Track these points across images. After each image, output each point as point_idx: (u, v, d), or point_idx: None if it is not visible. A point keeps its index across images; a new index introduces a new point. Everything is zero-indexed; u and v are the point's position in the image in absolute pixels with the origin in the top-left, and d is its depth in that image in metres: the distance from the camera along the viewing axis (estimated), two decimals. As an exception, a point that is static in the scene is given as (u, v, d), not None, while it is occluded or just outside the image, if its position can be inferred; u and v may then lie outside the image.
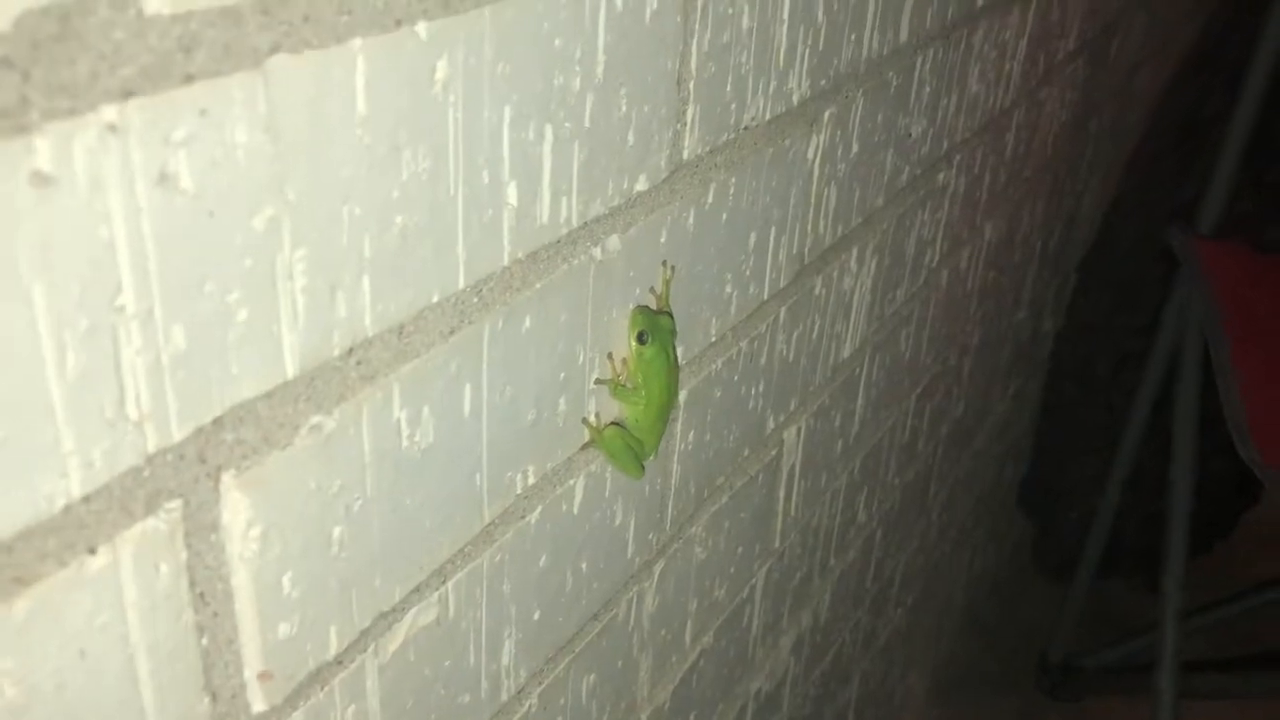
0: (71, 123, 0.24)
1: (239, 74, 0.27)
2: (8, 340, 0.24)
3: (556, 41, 0.37)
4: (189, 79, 0.26)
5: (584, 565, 0.51)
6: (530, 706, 0.50)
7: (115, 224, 0.26)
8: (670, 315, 0.49)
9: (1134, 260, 1.40)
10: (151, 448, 0.28)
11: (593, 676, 0.55)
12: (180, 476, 0.29)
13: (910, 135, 0.73)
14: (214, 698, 0.32)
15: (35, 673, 0.27)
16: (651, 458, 0.50)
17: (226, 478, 0.31)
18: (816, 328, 0.68)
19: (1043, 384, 1.51)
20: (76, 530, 0.27)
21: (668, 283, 0.49)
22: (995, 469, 1.43)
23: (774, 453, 0.68)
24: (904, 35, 0.66)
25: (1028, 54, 0.93)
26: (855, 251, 0.70)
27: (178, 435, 0.29)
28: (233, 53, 0.27)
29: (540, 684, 0.50)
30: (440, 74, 0.33)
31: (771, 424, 0.66)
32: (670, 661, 0.64)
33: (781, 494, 0.72)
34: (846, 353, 0.74)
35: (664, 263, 0.49)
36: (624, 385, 0.48)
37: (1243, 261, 1.17)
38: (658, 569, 0.58)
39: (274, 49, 0.28)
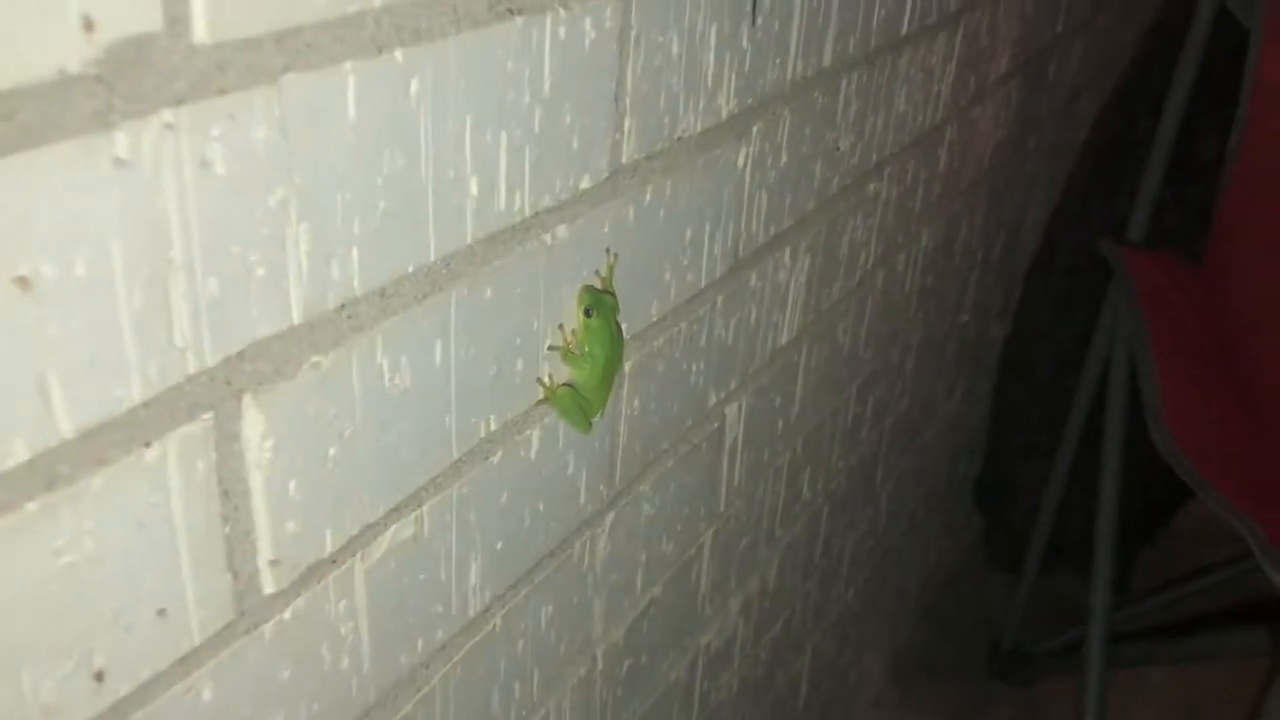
0: (141, 122, 0.33)
1: (259, 87, 0.37)
2: (94, 281, 0.33)
3: (509, 64, 0.47)
4: (223, 91, 0.35)
5: (540, 506, 0.60)
6: (495, 625, 0.59)
7: (169, 197, 0.35)
8: (613, 294, 0.59)
9: (1074, 270, 1.50)
10: (191, 370, 0.37)
11: (550, 608, 0.64)
12: (212, 394, 0.38)
13: (839, 149, 0.82)
14: (235, 576, 0.41)
15: (107, 535, 0.36)
16: (598, 416, 0.59)
17: (246, 398, 0.40)
18: (754, 316, 0.78)
19: (993, 386, 1.60)
20: (136, 428, 0.36)
21: (611, 267, 0.59)
22: (948, 465, 1.52)
23: (716, 425, 0.77)
24: (827, 60, 0.75)
25: (957, 76, 1.02)
26: (788, 250, 0.80)
27: (210, 362, 0.38)
28: (254, 71, 0.36)
29: (503, 607, 0.59)
30: (414, 89, 0.42)
31: (713, 399, 0.75)
32: (623, 605, 0.72)
33: (725, 463, 0.81)
34: (784, 340, 0.84)
35: (608, 250, 0.58)
36: (573, 352, 0.57)
37: (1167, 268, 1.27)
38: (608, 518, 0.67)
39: (285, 69, 0.37)
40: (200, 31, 0.34)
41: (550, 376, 0.56)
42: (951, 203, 1.14)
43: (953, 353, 1.36)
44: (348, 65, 0.39)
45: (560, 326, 0.56)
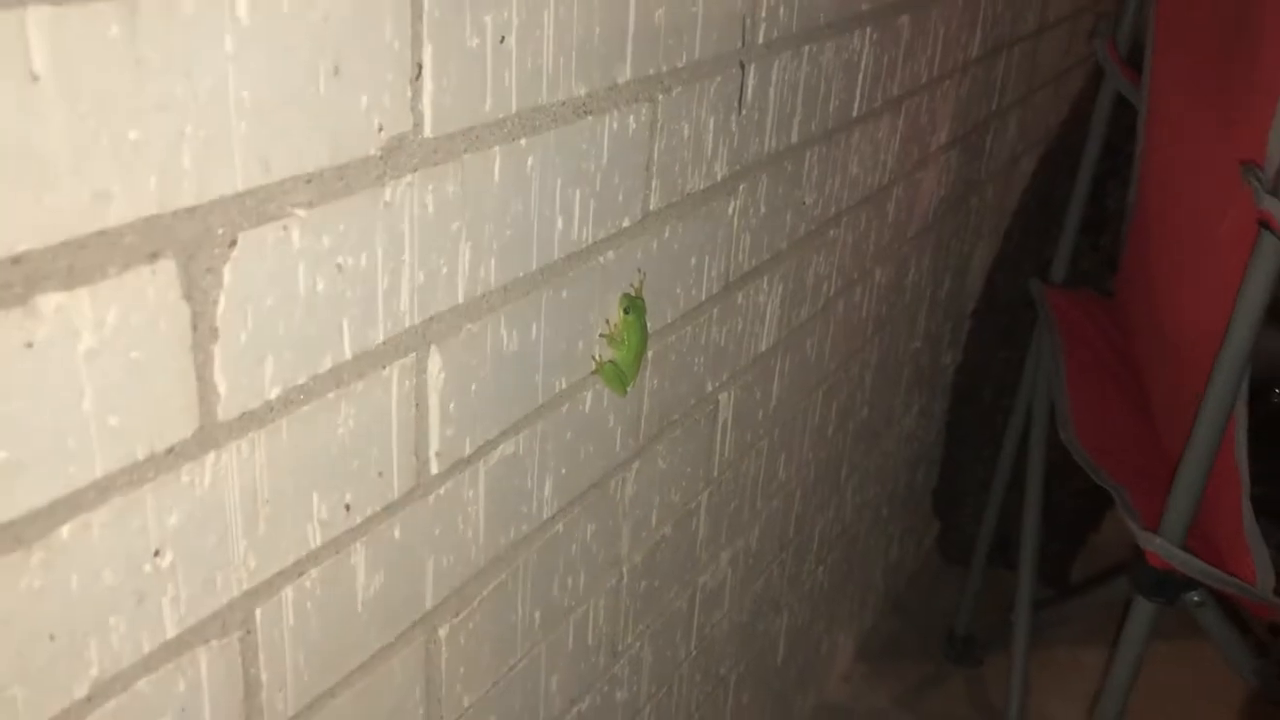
0: (397, 181, 0.60)
1: (451, 162, 0.63)
2: (363, 270, 0.59)
3: (583, 146, 0.74)
4: (434, 164, 0.62)
5: (591, 447, 0.85)
6: (559, 529, 0.84)
7: (405, 223, 0.61)
8: (642, 299, 0.85)
9: (1011, 307, 1.77)
10: (406, 325, 0.63)
11: (593, 525, 0.89)
12: (416, 341, 0.64)
13: (805, 203, 1.09)
14: (417, 458, 0.67)
15: (360, 419, 0.62)
16: (631, 385, 0.86)
17: (433, 347, 0.66)
18: (740, 326, 1.04)
19: (946, 407, 1.87)
20: (379, 357, 0.62)
21: (641, 281, 0.85)
22: (907, 472, 1.78)
23: (712, 407, 1.03)
24: (795, 138, 1.02)
25: (901, 148, 1.30)
26: (766, 278, 1.06)
27: (416, 321, 0.64)
28: (450, 153, 0.63)
29: (565, 516, 0.85)
30: (529, 162, 0.69)
31: (710, 385, 1.02)
32: (641, 535, 0.98)
33: (718, 438, 1.07)
34: (764, 347, 1.10)
35: (639, 269, 0.85)
36: (615, 338, 0.83)
37: (1083, 304, 1.54)
38: (634, 465, 0.93)
39: (464, 150, 0.64)
40: (427, 131, 0.61)
41: (599, 354, 0.83)
42: (900, 247, 1.41)
43: (908, 375, 1.62)
44: (495, 149, 0.66)
45: (607, 320, 0.82)
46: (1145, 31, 1.44)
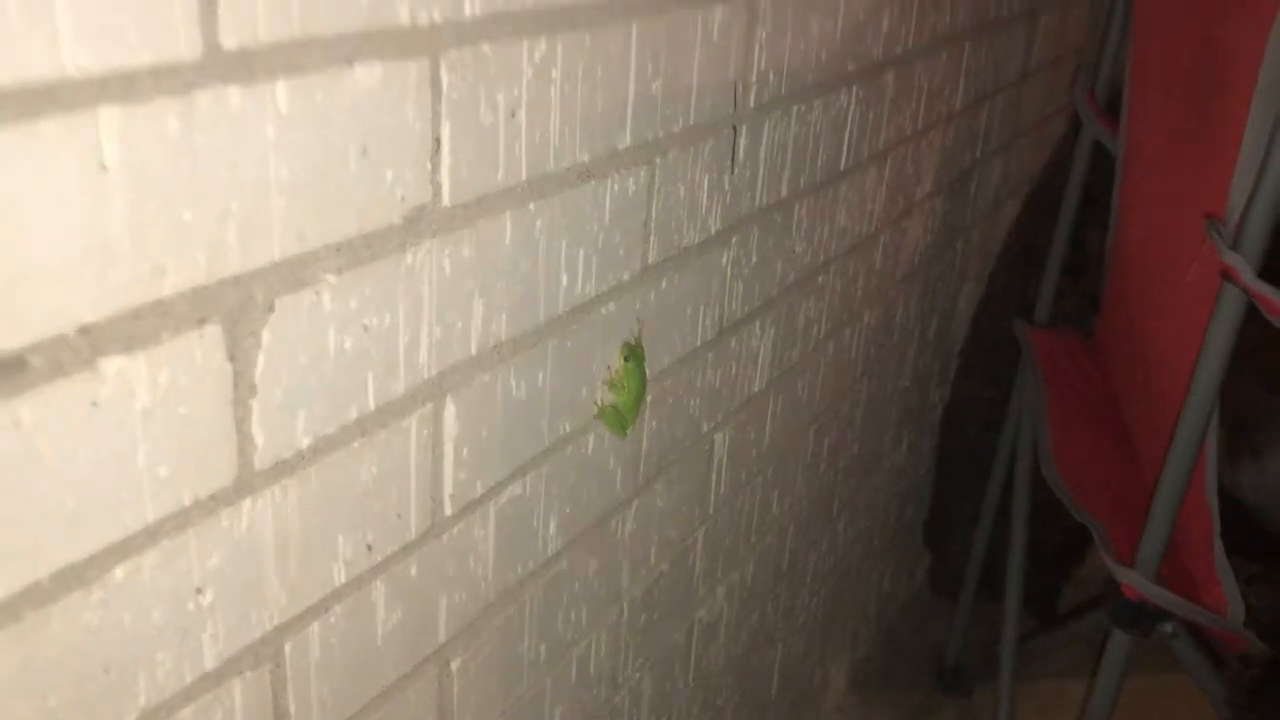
0: (418, 246, 0.65)
1: (466, 229, 0.68)
2: (386, 330, 0.65)
3: (586, 208, 0.79)
4: (451, 230, 0.67)
5: (593, 487, 0.90)
6: (562, 565, 0.89)
7: (424, 283, 0.66)
8: (642, 348, 0.90)
9: (997, 347, 1.83)
10: (424, 377, 0.68)
11: (594, 562, 0.94)
12: (433, 391, 0.69)
13: (794, 252, 1.15)
14: (433, 500, 0.72)
15: (383, 464, 0.67)
16: (631, 428, 0.91)
17: (449, 396, 0.71)
18: (734, 369, 1.09)
19: (935, 443, 1.92)
20: (401, 407, 0.67)
21: (640, 331, 0.90)
22: (898, 507, 1.83)
23: (707, 446, 1.08)
24: (784, 193, 1.08)
25: (887, 197, 1.36)
26: (758, 323, 1.12)
27: (433, 373, 0.69)
28: (466, 220, 0.68)
29: (568, 554, 0.89)
30: (538, 225, 0.74)
31: (705, 426, 1.07)
32: (641, 572, 1.03)
33: (714, 477, 1.11)
34: (756, 388, 1.15)
35: (638, 319, 0.90)
36: (616, 383, 0.88)
37: (1064, 343, 1.59)
38: (634, 504, 0.98)
39: (479, 218, 0.69)
40: (445, 200, 0.66)
41: (600, 399, 0.88)
42: (888, 291, 1.47)
43: (897, 412, 1.67)
44: (507, 214, 0.71)
45: (609, 367, 0.88)
46: (1123, 82, 1.51)
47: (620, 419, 0.89)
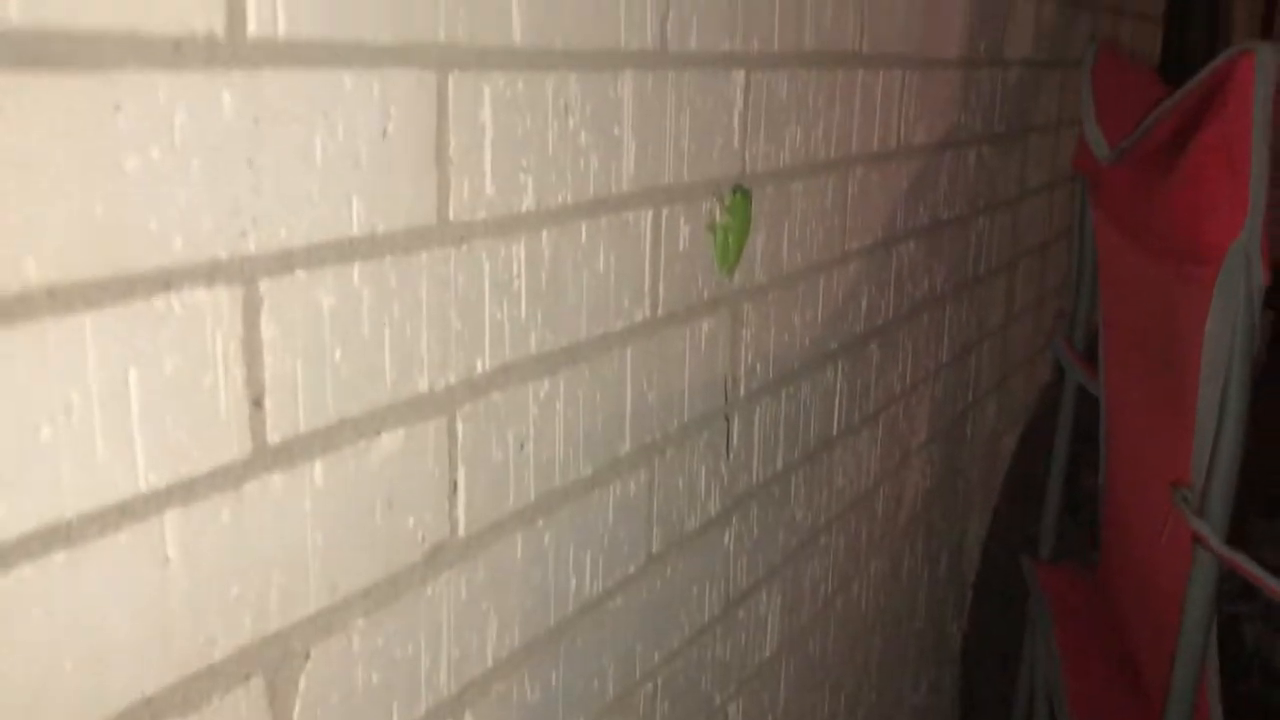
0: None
1: (479, 556, 0.76)
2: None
3: (591, 514, 0.86)
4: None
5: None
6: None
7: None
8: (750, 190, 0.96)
9: (1007, 578, 1.86)
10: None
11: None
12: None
13: (795, 519, 1.21)
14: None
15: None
16: (732, 266, 0.97)
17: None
18: (744, 638, 1.14)
19: (958, 673, 1.92)
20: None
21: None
22: (925, 748, 1.82)
23: (722, 718, 1.12)
24: (779, 467, 1.16)
25: (883, 452, 1.43)
26: (765, 591, 1.17)
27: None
28: (472, 549, 0.75)
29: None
30: (546, 539, 0.82)
31: (718, 699, 1.10)
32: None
33: None
34: (767, 654, 1.19)
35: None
36: (730, 208, 0.95)
37: (1069, 577, 1.63)
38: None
39: (494, 540, 0.76)
40: (461, 533, 0.73)
41: (718, 216, 0.94)
42: (893, 540, 1.52)
43: (913, 654, 1.70)
44: (518, 534, 0.79)
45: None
46: (1098, 325, 1.61)
47: (726, 245, 0.95)
